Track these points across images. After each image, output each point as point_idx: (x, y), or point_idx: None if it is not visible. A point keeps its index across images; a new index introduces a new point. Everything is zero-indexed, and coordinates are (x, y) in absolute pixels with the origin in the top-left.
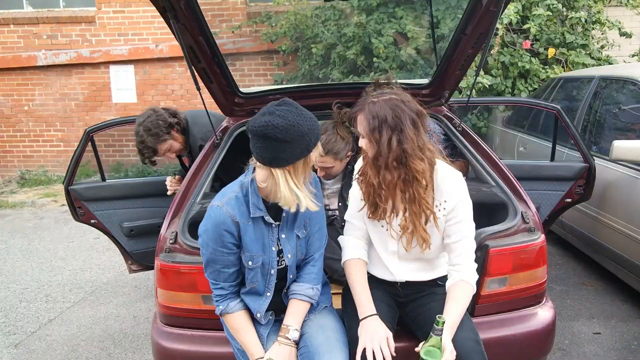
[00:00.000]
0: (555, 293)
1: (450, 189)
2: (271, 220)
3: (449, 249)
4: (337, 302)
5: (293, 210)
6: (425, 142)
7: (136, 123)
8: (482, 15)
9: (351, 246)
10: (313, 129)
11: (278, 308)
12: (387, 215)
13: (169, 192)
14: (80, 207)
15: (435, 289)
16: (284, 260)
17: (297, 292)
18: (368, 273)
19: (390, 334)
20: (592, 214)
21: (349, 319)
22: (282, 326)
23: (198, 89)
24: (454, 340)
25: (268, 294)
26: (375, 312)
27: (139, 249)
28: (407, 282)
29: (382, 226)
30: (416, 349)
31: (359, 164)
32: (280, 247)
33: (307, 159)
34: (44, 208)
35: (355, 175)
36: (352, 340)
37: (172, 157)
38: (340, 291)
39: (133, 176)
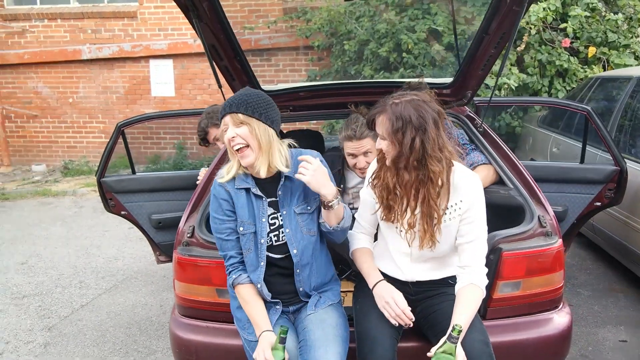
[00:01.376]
0: (583, 298)
1: (466, 189)
2: (259, 193)
3: (460, 249)
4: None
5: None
6: (445, 142)
7: (205, 112)
8: (505, 14)
9: (358, 239)
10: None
11: (286, 291)
12: (401, 217)
13: (197, 181)
14: (111, 198)
15: (446, 288)
16: (284, 236)
17: None
18: (382, 273)
19: (400, 294)
20: (623, 219)
21: (357, 314)
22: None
23: (220, 86)
24: (462, 341)
25: (262, 263)
26: (382, 277)
27: (166, 241)
28: (418, 281)
29: (396, 227)
30: (428, 354)
31: (372, 168)
32: (279, 222)
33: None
34: (84, 197)
35: (369, 178)
36: (360, 335)
37: (220, 147)
38: (351, 289)
39: (169, 168)
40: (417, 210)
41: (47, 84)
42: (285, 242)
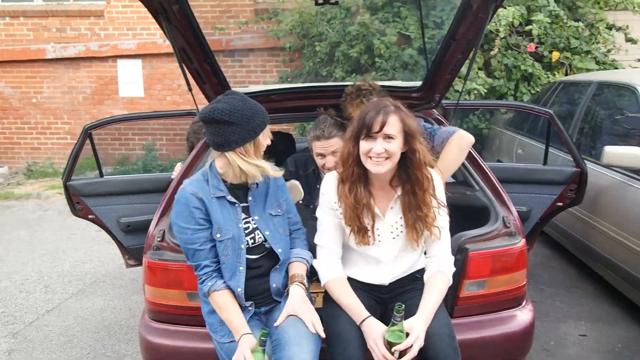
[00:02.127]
0: (546, 295)
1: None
2: (234, 200)
3: (428, 240)
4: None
5: (259, 179)
6: None
7: (193, 122)
8: (471, 21)
9: (327, 268)
10: (257, 113)
11: (260, 291)
12: (374, 230)
13: (172, 176)
14: (78, 202)
15: (415, 283)
16: (260, 237)
17: (290, 257)
18: (351, 278)
19: (384, 330)
20: (583, 218)
21: (327, 316)
22: (292, 275)
23: (190, 89)
24: (428, 334)
25: (241, 268)
26: (368, 314)
27: (136, 244)
28: (390, 282)
29: (373, 242)
30: (382, 331)
31: (329, 183)
32: (252, 226)
33: (257, 143)
34: (48, 200)
35: (335, 198)
36: (331, 336)
37: None
38: (322, 290)
39: (138, 169)
40: (402, 213)
41: (9, 83)
42: (262, 243)
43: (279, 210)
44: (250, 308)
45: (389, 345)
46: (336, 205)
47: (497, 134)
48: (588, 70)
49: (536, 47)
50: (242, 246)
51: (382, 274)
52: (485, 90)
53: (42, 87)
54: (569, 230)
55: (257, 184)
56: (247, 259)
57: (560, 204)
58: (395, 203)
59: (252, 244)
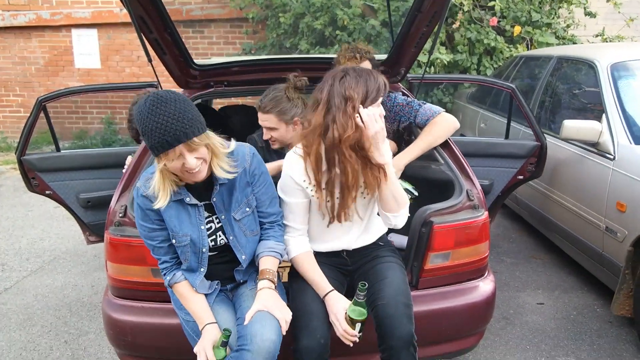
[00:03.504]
0: (506, 265)
1: None
2: (194, 201)
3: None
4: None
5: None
6: None
7: (132, 103)
8: None
9: (295, 243)
10: (151, 131)
11: (225, 277)
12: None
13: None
14: (34, 177)
15: (377, 251)
16: (222, 239)
17: (262, 250)
18: (317, 252)
19: (346, 304)
20: (543, 191)
21: (293, 290)
22: (262, 270)
23: (150, 60)
24: (386, 303)
25: (202, 269)
26: (332, 288)
27: (96, 220)
28: (353, 249)
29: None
30: (344, 306)
31: (293, 163)
32: (216, 226)
33: (159, 164)
34: (2, 176)
35: (303, 174)
36: (296, 310)
37: None
38: (288, 265)
39: (97, 144)
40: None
41: None
42: (226, 244)
43: (247, 210)
44: (216, 286)
45: (351, 321)
46: (305, 183)
47: (461, 108)
48: (548, 44)
49: (498, 21)
50: (204, 250)
51: (343, 241)
52: (449, 60)
53: None
54: (528, 202)
55: (220, 183)
56: (209, 256)
57: (521, 177)
58: None
59: (214, 246)
